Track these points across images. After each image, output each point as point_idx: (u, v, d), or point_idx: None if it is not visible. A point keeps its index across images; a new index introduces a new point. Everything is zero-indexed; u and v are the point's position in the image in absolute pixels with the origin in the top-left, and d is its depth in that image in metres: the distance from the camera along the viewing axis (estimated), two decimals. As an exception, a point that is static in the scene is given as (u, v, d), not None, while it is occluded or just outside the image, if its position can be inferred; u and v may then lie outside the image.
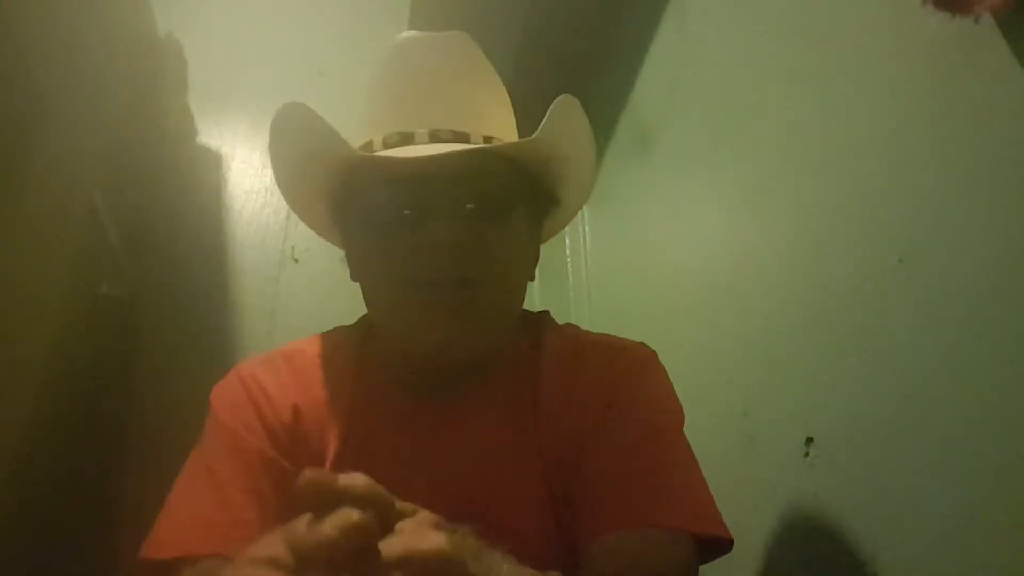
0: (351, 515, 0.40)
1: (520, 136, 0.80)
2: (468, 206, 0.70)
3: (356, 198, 0.75)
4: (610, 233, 1.69)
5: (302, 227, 0.87)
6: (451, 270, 0.69)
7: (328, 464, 0.71)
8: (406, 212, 0.70)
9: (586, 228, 1.79)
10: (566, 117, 0.73)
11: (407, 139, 0.73)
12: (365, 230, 0.74)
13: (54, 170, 1.10)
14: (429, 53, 0.78)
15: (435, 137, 0.73)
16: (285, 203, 0.84)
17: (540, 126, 0.71)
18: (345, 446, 0.72)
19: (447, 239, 0.68)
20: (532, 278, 0.80)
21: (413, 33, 0.79)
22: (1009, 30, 0.60)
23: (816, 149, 0.89)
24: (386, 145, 0.74)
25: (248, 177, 1.66)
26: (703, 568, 0.68)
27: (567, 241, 1.83)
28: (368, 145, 0.76)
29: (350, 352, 0.79)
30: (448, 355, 0.72)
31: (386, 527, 0.43)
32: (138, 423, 1.35)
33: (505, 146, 0.73)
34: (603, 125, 1.61)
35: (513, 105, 0.83)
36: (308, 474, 0.41)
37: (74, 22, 1.20)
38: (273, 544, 0.42)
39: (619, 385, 0.74)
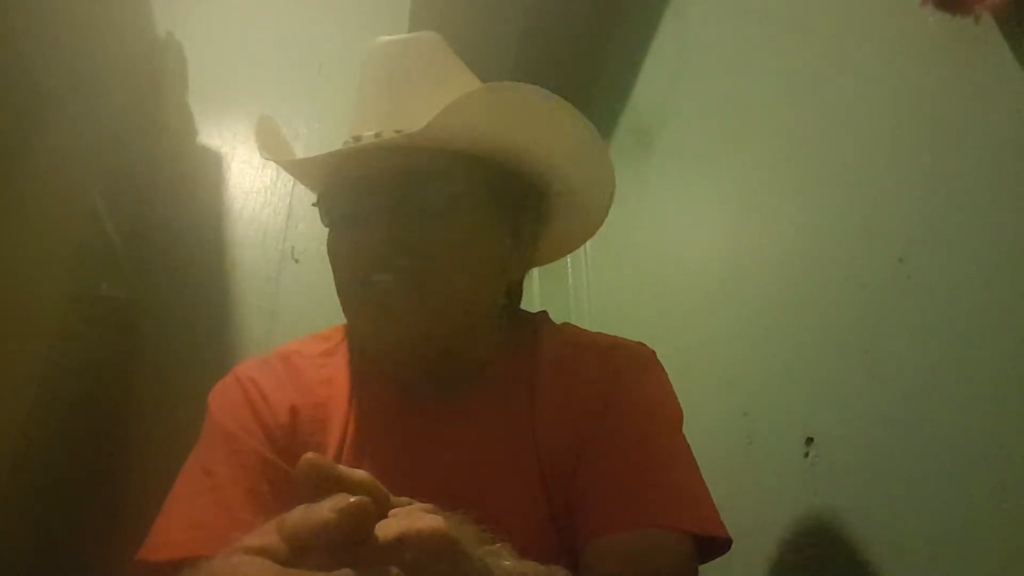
0: (348, 497, 0.39)
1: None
2: (422, 203, 0.70)
3: (319, 202, 0.76)
4: (610, 233, 1.68)
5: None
6: (387, 267, 0.69)
7: None
8: (361, 213, 0.71)
9: (586, 228, 1.79)
10: (493, 105, 0.68)
11: (357, 142, 0.73)
12: (328, 232, 0.76)
13: (54, 169, 1.10)
14: (394, 56, 0.78)
15: (379, 138, 0.72)
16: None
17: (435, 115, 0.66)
18: (343, 447, 0.72)
19: (382, 237, 0.69)
20: (514, 277, 0.79)
21: (383, 37, 0.80)
22: (1009, 30, 0.60)
23: (816, 149, 0.89)
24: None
25: (248, 177, 1.66)
26: (703, 568, 0.68)
27: (567, 241, 1.82)
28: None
29: (347, 352, 0.79)
30: (401, 354, 0.73)
31: (382, 516, 0.43)
32: (138, 423, 1.35)
33: (403, 136, 0.69)
34: (603, 125, 1.61)
35: (512, 105, 0.82)
36: (309, 456, 0.41)
37: (74, 22, 1.20)
38: (267, 534, 0.41)
39: (617, 385, 0.74)
